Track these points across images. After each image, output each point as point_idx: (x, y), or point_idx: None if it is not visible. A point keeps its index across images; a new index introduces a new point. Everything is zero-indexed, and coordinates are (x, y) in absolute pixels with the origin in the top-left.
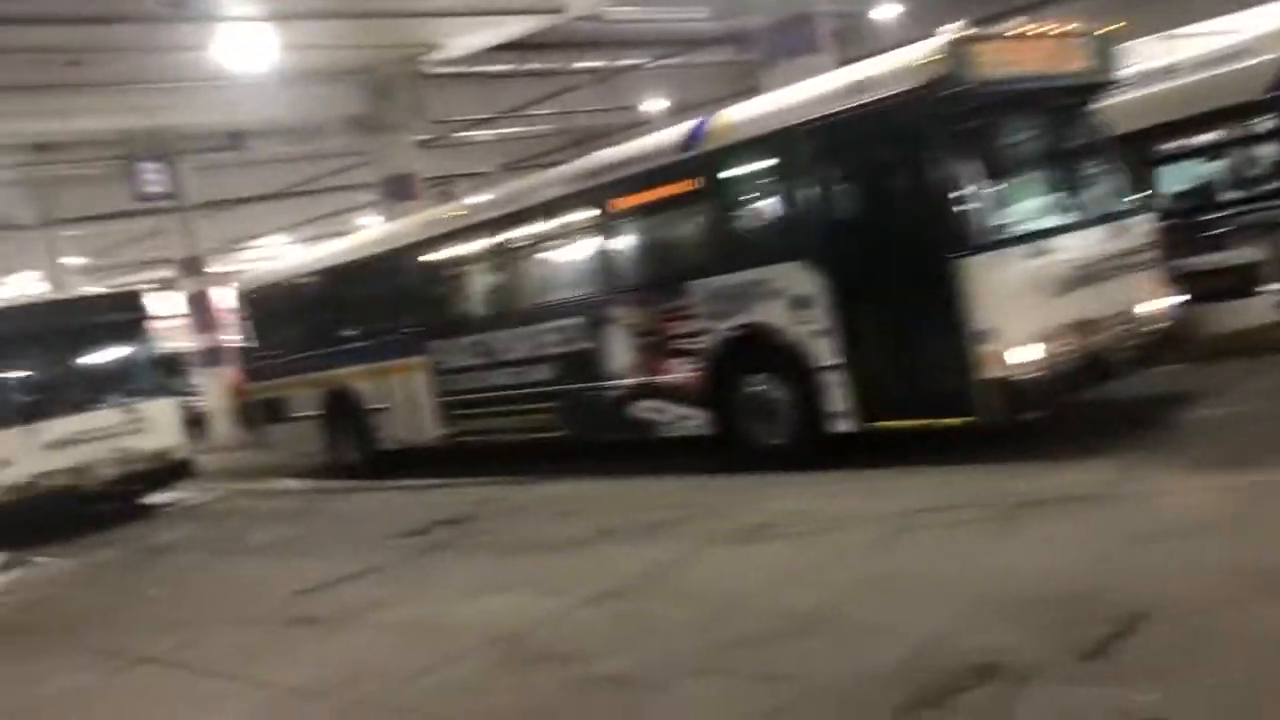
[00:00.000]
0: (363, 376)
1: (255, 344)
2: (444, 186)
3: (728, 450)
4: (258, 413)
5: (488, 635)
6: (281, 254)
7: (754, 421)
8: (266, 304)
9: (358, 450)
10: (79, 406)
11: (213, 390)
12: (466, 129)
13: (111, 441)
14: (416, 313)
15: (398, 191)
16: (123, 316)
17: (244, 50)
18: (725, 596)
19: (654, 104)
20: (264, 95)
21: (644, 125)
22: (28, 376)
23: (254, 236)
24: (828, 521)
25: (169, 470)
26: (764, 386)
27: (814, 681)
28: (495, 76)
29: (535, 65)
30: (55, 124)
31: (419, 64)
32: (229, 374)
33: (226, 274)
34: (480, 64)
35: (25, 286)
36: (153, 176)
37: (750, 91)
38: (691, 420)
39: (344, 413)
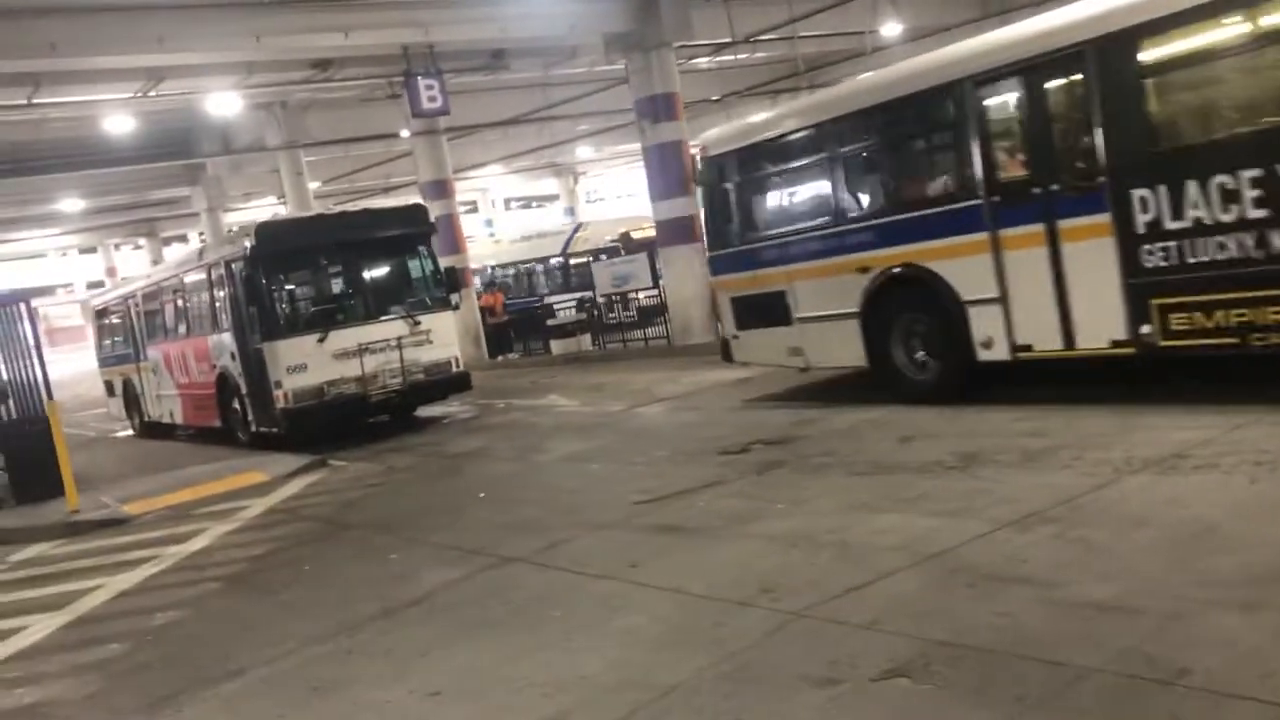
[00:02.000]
0: (952, 253)
1: (725, 225)
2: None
3: None
4: (733, 315)
5: (910, 553)
6: (492, 185)
7: None
8: (749, 170)
9: (938, 360)
10: (367, 317)
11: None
12: (710, 54)
13: (396, 352)
14: (1078, 153)
15: (659, 111)
16: (408, 230)
17: None
18: (1186, 524)
19: (890, 29)
20: (532, 9)
21: (876, 52)
22: (319, 287)
23: (475, 166)
24: (1255, 455)
25: (450, 382)
26: None
27: None
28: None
29: None
30: (337, 39)
31: None
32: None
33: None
34: None
35: (267, 213)
36: (430, 93)
37: (999, 17)
38: None
39: (910, 308)
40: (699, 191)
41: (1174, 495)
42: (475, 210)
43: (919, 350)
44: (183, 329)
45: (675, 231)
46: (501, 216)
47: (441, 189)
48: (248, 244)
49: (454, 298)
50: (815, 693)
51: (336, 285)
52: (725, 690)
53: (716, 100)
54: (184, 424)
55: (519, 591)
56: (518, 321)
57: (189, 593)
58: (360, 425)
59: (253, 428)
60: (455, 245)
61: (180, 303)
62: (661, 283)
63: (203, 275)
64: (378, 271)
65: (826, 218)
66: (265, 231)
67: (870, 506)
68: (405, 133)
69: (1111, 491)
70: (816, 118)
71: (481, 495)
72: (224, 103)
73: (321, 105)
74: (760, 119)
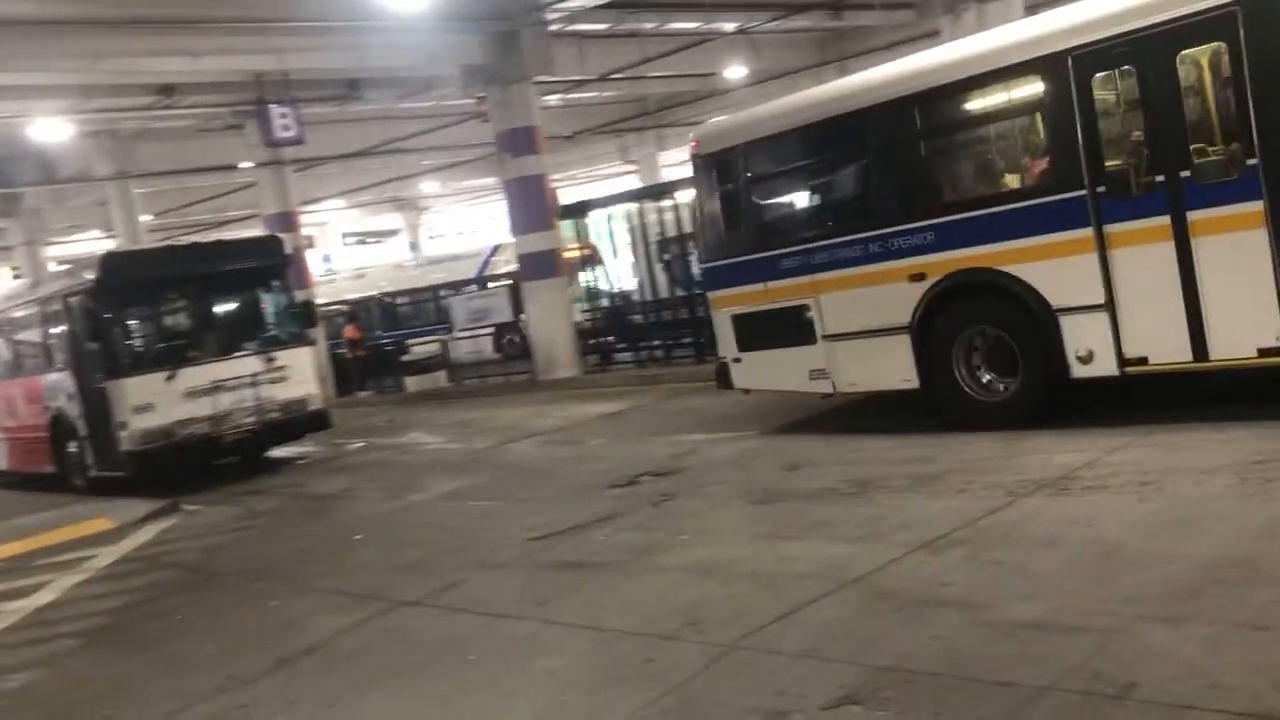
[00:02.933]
0: (1040, 254)
1: (726, 232)
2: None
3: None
4: (734, 334)
5: (828, 580)
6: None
7: None
8: (759, 166)
9: (1022, 377)
10: (219, 353)
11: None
12: (565, 90)
13: (251, 389)
14: (1219, 133)
15: (520, 145)
16: (263, 262)
17: None
18: (1092, 543)
19: (735, 71)
20: (392, 39)
21: (722, 94)
22: (168, 322)
23: (314, 200)
24: (1139, 475)
25: (307, 421)
26: None
27: None
28: (587, 37)
29: (629, 26)
30: (183, 63)
31: (548, 13)
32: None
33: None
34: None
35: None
36: (284, 121)
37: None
38: None
39: (978, 319)
40: (694, 192)
41: (1072, 516)
42: (312, 246)
43: (981, 368)
44: (10, 368)
45: (538, 265)
46: (339, 252)
47: (287, 222)
48: (91, 277)
49: (311, 332)
50: None
51: (187, 320)
52: None
53: (569, 137)
54: (9, 469)
55: (423, 636)
56: (368, 358)
57: (43, 651)
58: (210, 467)
59: (92, 472)
60: (304, 281)
61: (7, 341)
62: (524, 317)
63: (35, 311)
64: (231, 305)
65: (866, 219)
66: (111, 263)
67: (775, 535)
68: (247, 164)
69: (1011, 514)
70: (856, 103)
71: (359, 537)
72: (49, 129)
73: (155, 135)
74: (773, 108)
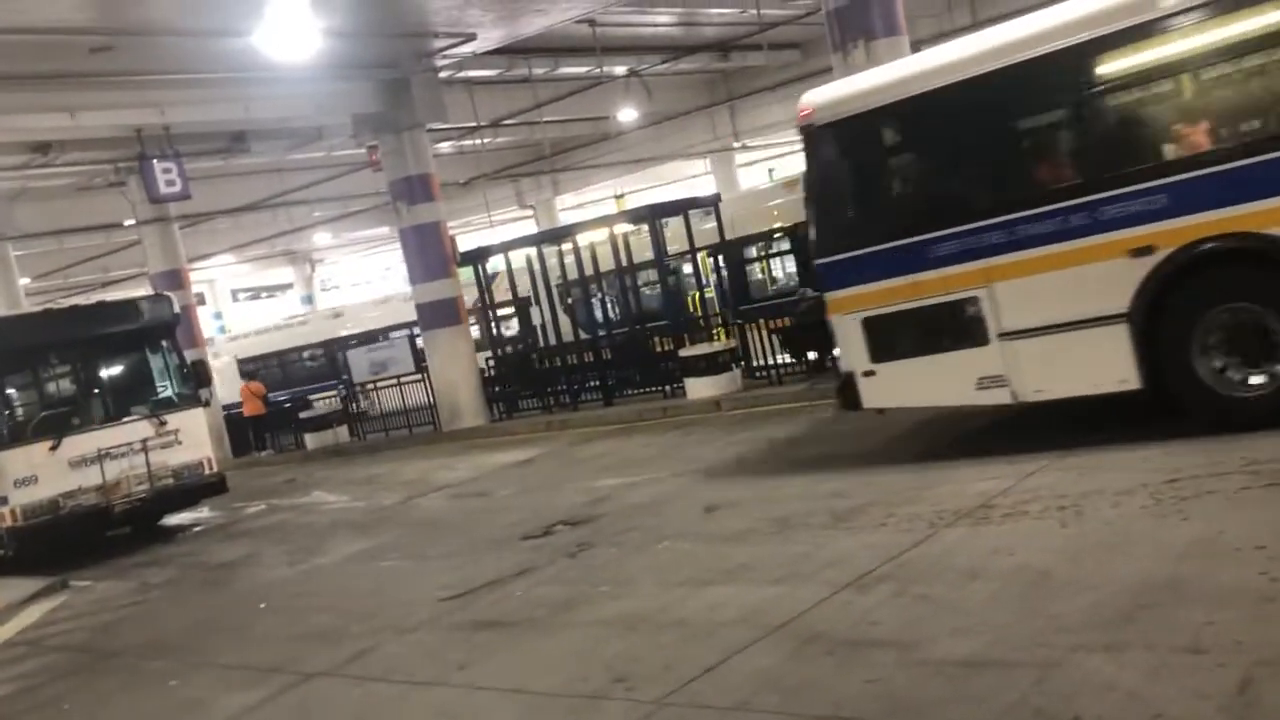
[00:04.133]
0: None
1: (854, 218)
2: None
3: None
4: (865, 342)
5: (755, 625)
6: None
7: None
8: (905, 133)
9: None
10: (106, 420)
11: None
12: (459, 137)
13: (142, 456)
14: None
15: (415, 193)
16: (149, 323)
17: (287, 36)
18: (1018, 572)
19: (626, 114)
20: (277, 90)
21: (615, 137)
22: (50, 390)
23: (203, 256)
24: (1057, 500)
25: (203, 486)
26: None
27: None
28: (479, 83)
29: (520, 71)
30: (61, 120)
31: (438, 59)
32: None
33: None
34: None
35: None
36: (168, 176)
37: (727, 103)
38: None
39: (1232, 297)
40: (806, 174)
41: (996, 545)
42: (203, 303)
43: (1218, 358)
44: None
45: (438, 314)
46: (230, 309)
47: (175, 280)
48: None
49: (204, 393)
50: None
51: (70, 386)
52: None
53: (464, 184)
54: None
55: (336, 710)
56: (264, 417)
57: None
58: (100, 540)
59: None
60: (194, 340)
61: None
62: (425, 366)
63: None
64: (116, 369)
65: (1065, 186)
66: None
67: (698, 580)
68: (130, 221)
69: (934, 546)
70: (1056, 42)
71: (263, 606)
72: None
73: (32, 194)
74: (919, 63)
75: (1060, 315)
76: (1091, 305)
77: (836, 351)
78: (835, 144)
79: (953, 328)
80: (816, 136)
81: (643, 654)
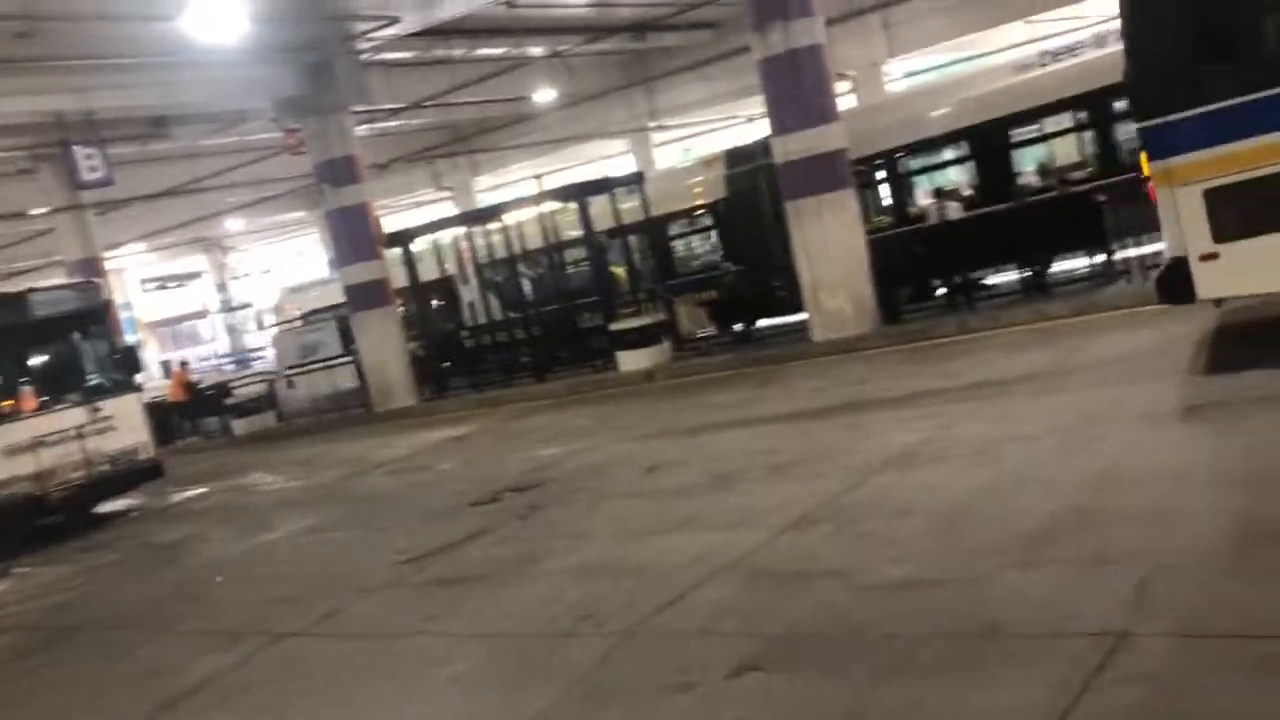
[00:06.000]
0: None
1: (1197, 65)
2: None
3: None
4: (1208, 217)
5: (708, 565)
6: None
7: None
8: None
9: None
10: (40, 406)
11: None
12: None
13: (77, 442)
14: None
15: (339, 175)
16: (80, 308)
17: (212, 20)
18: (943, 508)
19: (544, 95)
20: (199, 74)
21: (532, 119)
22: None
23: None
24: (976, 445)
25: (139, 471)
26: None
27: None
28: (396, 65)
29: (438, 52)
30: None
31: (362, 41)
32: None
33: None
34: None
35: None
36: (91, 163)
37: (644, 84)
38: None
39: None
40: (1130, 18)
41: (921, 486)
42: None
43: None
44: None
45: (367, 295)
46: (140, 299)
47: (91, 268)
48: None
49: (136, 378)
50: (678, 697)
51: (0, 374)
52: (590, 711)
53: (382, 166)
54: None
55: (315, 664)
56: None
57: None
58: (35, 529)
59: None
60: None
61: None
62: (355, 348)
63: None
64: (48, 356)
65: None
66: None
67: (649, 531)
68: (40, 209)
69: (866, 490)
70: None
71: (219, 579)
72: None
73: None
74: None
75: None
76: None
77: (1164, 236)
78: None
79: None
80: None
81: (605, 596)
